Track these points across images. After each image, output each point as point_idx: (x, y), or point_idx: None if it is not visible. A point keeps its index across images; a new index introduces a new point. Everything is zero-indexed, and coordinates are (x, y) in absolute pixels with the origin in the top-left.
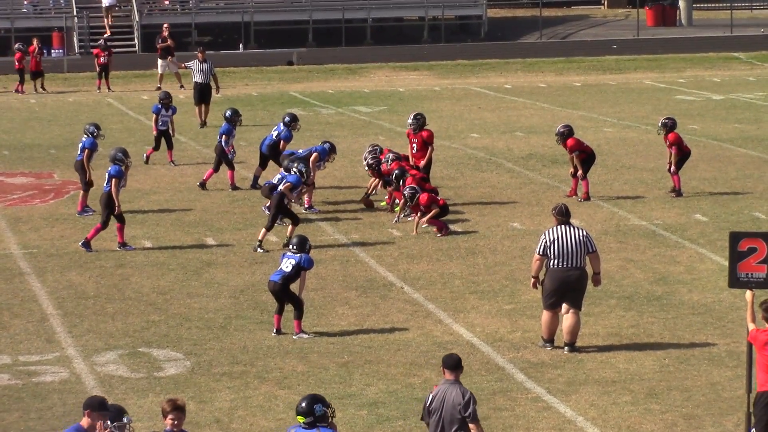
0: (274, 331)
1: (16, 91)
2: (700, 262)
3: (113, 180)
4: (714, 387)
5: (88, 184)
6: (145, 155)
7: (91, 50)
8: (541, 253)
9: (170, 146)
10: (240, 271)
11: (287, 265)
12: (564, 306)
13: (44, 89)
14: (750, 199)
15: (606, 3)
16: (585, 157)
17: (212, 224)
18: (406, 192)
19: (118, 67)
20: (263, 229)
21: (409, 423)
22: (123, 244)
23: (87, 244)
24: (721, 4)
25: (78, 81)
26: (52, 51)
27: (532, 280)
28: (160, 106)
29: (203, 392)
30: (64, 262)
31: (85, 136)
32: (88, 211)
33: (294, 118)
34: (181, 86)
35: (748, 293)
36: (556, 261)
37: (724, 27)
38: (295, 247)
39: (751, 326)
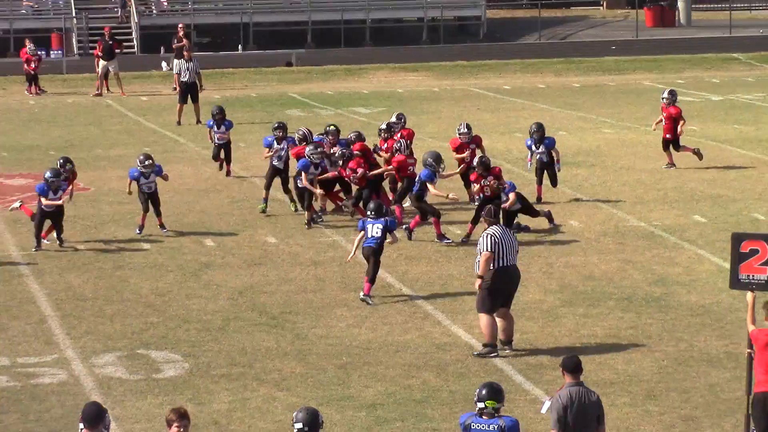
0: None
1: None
2: (698, 264)
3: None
4: (713, 388)
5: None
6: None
7: (91, 51)
8: None
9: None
10: (238, 272)
11: (376, 230)
12: None
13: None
14: (749, 201)
15: (605, 4)
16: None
17: (211, 225)
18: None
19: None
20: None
21: (407, 424)
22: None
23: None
24: (720, 5)
25: (77, 82)
26: (51, 52)
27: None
28: (212, 122)
29: (201, 394)
30: (62, 264)
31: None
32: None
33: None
34: (175, 87)
35: (749, 295)
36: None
37: (723, 28)
38: (373, 212)
39: (751, 327)
